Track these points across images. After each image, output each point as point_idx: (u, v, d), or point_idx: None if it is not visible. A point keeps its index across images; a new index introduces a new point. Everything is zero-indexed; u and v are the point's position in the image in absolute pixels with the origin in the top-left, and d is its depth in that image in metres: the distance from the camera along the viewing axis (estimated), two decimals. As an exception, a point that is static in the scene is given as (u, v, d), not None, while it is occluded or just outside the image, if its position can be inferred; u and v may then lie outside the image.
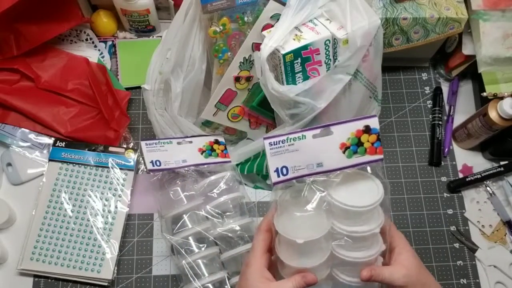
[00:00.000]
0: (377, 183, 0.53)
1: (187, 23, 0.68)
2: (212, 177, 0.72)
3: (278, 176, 0.51)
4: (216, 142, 0.75)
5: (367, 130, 0.51)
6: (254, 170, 0.77)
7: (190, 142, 0.73)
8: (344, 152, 0.51)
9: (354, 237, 0.52)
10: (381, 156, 0.51)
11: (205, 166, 0.74)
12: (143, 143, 0.71)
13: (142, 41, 0.93)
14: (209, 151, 0.74)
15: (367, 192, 0.52)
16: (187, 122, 0.74)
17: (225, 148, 0.76)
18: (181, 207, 0.69)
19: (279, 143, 0.50)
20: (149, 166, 0.71)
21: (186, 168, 0.72)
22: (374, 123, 0.50)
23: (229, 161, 0.76)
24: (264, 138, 0.50)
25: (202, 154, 0.74)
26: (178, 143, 0.73)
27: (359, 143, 0.51)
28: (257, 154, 0.77)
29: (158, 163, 0.71)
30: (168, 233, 0.69)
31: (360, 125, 0.50)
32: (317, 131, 0.50)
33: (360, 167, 0.52)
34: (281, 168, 0.51)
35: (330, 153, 0.51)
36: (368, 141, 0.51)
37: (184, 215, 0.69)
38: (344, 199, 0.51)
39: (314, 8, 0.64)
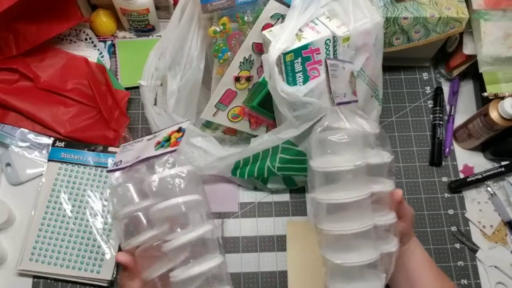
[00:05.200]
0: None
1: (184, 21, 0.67)
2: (158, 175, 0.56)
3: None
4: (178, 130, 0.61)
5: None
6: (255, 174, 0.76)
7: (158, 136, 0.62)
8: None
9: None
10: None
11: (153, 159, 0.57)
12: (121, 146, 0.65)
13: (141, 41, 0.93)
14: (164, 142, 0.60)
15: None
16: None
17: (182, 135, 0.59)
18: (132, 206, 0.57)
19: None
20: (109, 167, 0.62)
21: (138, 165, 0.58)
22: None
23: (173, 151, 0.56)
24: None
25: (155, 146, 0.60)
26: (148, 139, 0.63)
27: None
28: (257, 156, 0.75)
29: (118, 163, 0.61)
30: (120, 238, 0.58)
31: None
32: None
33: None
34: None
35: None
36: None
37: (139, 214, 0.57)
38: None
39: (318, 7, 0.64)
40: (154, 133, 0.64)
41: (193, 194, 0.54)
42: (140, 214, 0.56)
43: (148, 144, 0.62)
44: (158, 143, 0.60)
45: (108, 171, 0.62)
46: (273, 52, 0.61)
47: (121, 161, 0.62)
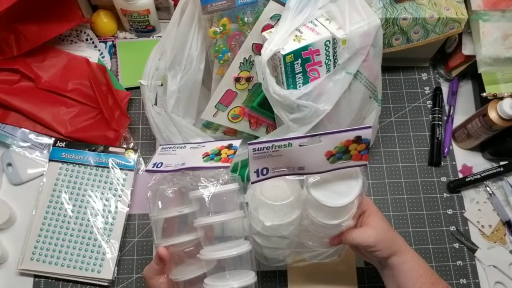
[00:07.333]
0: (357, 173, 0.54)
1: (184, 22, 0.68)
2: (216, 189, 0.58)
3: (258, 176, 0.52)
4: (229, 147, 0.60)
5: (357, 140, 0.50)
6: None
7: (203, 146, 0.63)
8: (328, 159, 0.51)
9: (326, 225, 0.56)
10: (365, 162, 0.52)
11: (202, 170, 0.59)
12: (160, 147, 0.67)
13: (142, 41, 0.93)
14: (213, 155, 0.60)
15: (345, 186, 0.54)
16: (184, 122, 0.73)
17: (234, 153, 0.59)
18: (170, 212, 0.59)
19: (263, 149, 0.50)
20: (149, 167, 0.63)
21: (183, 172, 0.60)
22: (366, 134, 0.49)
23: (226, 167, 0.58)
24: (249, 144, 0.50)
25: (203, 158, 0.60)
26: (192, 147, 0.63)
27: (346, 151, 0.51)
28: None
29: (159, 165, 0.62)
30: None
31: (351, 135, 0.50)
32: (305, 140, 0.50)
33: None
34: (262, 169, 0.52)
35: (313, 159, 0.51)
36: (355, 149, 0.51)
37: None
38: (320, 195, 0.53)
39: (313, 9, 0.64)
40: (198, 142, 0.64)
41: (239, 210, 0.56)
42: (182, 218, 0.58)
43: (193, 153, 0.61)
44: (206, 154, 0.59)
45: (146, 171, 0.62)
46: (265, 54, 0.61)
47: (161, 163, 0.62)
